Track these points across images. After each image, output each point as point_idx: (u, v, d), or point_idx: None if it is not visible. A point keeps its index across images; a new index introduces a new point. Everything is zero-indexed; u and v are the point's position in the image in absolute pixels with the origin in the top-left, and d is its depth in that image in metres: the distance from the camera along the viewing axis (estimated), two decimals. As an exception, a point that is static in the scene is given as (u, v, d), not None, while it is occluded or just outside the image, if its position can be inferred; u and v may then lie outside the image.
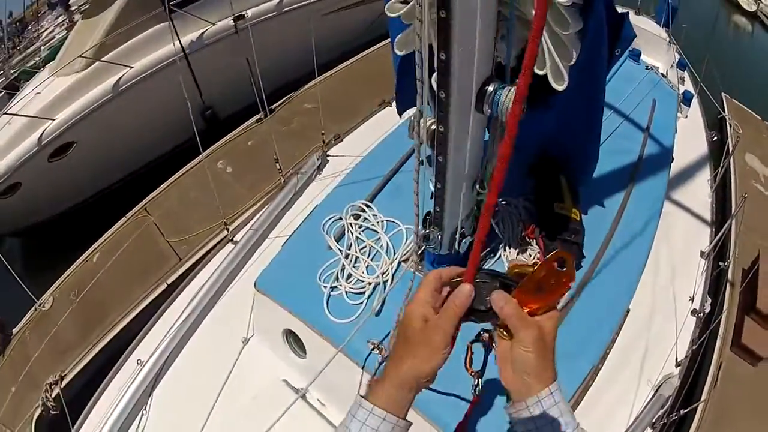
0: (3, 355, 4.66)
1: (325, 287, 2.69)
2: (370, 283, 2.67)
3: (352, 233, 2.91)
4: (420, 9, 1.50)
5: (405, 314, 1.05)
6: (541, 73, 1.76)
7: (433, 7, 1.47)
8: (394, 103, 4.91)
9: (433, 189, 2.03)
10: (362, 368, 2.44)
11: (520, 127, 1.78)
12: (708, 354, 4.01)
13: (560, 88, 1.77)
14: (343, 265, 2.76)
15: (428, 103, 1.74)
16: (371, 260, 2.79)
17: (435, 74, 1.64)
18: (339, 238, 2.94)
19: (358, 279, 2.71)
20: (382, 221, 2.97)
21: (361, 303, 2.62)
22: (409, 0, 1.78)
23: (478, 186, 1.97)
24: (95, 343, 4.52)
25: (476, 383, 1.96)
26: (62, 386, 4.07)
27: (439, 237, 2.16)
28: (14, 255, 6.94)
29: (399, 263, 2.73)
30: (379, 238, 2.88)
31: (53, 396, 3.95)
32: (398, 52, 1.99)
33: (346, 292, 2.68)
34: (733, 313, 4.38)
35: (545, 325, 0.99)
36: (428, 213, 2.20)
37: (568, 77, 1.73)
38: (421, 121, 1.80)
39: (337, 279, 2.72)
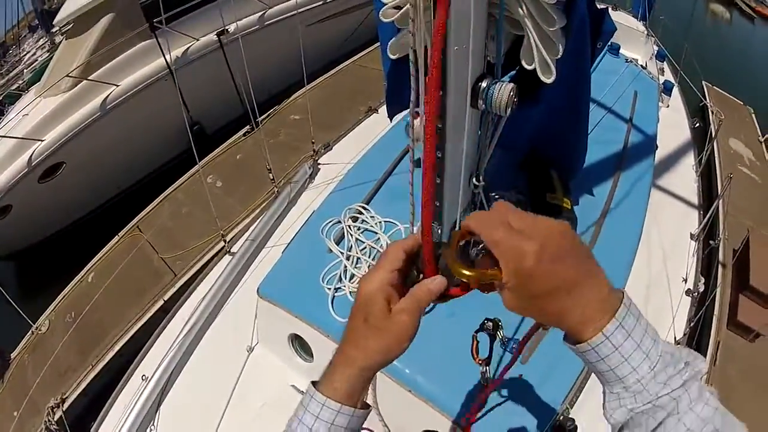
0: (2, 381, 4.65)
1: (329, 289, 2.73)
2: None
3: (351, 235, 2.96)
4: (416, 12, 1.58)
5: (362, 294, 0.91)
6: (529, 67, 1.84)
7: (428, 11, 1.54)
8: (381, 110, 5.02)
9: (431, 185, 2.09)
10: None
11: (509, 123, 1.85)
12: (705, 333, 4.10)
13: (548, 81, 1.85)
14: (345, 266, 2.80)
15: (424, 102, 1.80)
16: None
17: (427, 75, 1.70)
18: (339, 241, 2.99)
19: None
20: (380, 222, 3.02)
21: None
22: (401, 5, 1.85)
23: (474, 179, 2.04)
24: (95, 363, 4.51)
25: (485, 371, 2.02)
26: (64, 409, 4.07)
27: (439, 231, 2.22)
28: (8, 278, 6.88)
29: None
30: (379, 238, 2.93)
31: (56, 419, 3.95)
32: (391, 56, 2.05)
33: (350, 291, 2.71)
34: (726, 292, 4.48)
35: (506, 293, 0.79)
36: (427, 211, 2.26)
37: (555, 71, 1.81)
38: (417, 120, 1.86)
39: (340, 280, 2.77)
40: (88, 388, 4.37)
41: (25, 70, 11.58)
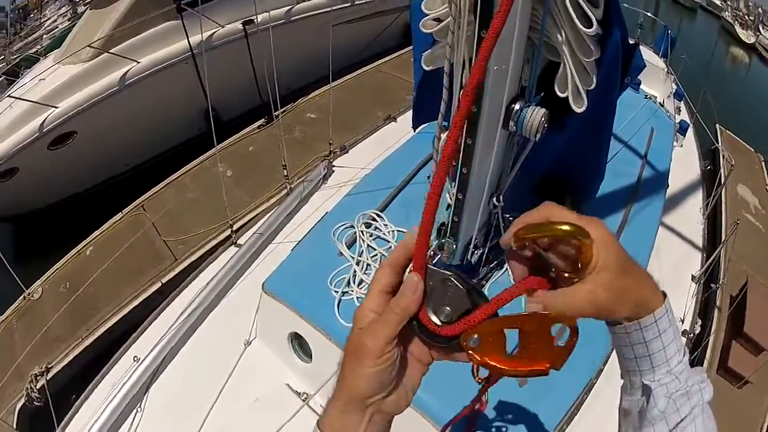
0: (-14, 341, 4.64)
1: (336, 292, 2.73)
2: None
3: (363, 241, 2.96)
4: (458, 28, 1.60)
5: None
6: (562, 95, 1.86)
7: (470, 26, 1.56)
8: (399, 119, 5.04)
9: (449, 200, 2.11)
10: None
11: (533, 147, 1.87)
12: (695, 375, 4.11)
13: (579, 110, 1.87)
14: (355, 271, 2.80)
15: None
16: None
17: (461, 90, 1.72)
18: (350, 245, 2.99)
19: (369, 285, 2.73)
20: (393, 231, 3.03)
21: None
22: (442, 18, 1.87)
23: (494, 199, 2.06)
24: (85, 337, 4.51)
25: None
26: (48, 378, 4.06)
27: (454, 246, 2.24)
28: (5, 241, 6.88)
29: (410, 271, 2.75)
30: (390, 246, 2.93)
31: (38, 387, 3.94)
32: (425, 67, 2.07)
33: (357, 297, 2.71)
34: (720, 336, 4.49)
35: (603, 277, 0.75)
36: (442, 224, 2.28)
37: (586, 101, 1.83)
38: (445, 134, 1.88)
39: (348, 284, 2.76)
40: (74, 360, 4.36)
41: (44, 36, 11.59)
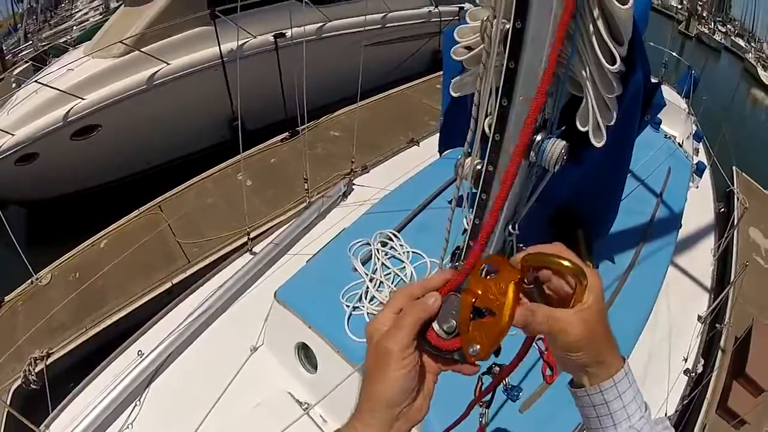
0: (-11, 320, 4.68)
1: (348, 306, 2.75)
2: None
3: (378, 259, 3.00)
4: (487, 57, 1.65)
5: (366, 333, 0.86)
6: (583, 129, 1.91)
7: (500, 57, 1.62)
8: (422, 143, 5.11)
9: (466, 225, 2.15)
10: None
11: (551, 181, 1.91)
12: (694, 413, 4.10)
13: (599, 144, 1.91)
14: (368, 287, 2.83)
15: (477, 145, 1.87)
16: (395, 287, 2.85)
17: (488, 118, 1.77)
18: (365, 262, 3.02)
19: (380, 302, 2.76)
20: (408, 252, 3.05)
21: None
22: (471, 46, 1.92)
23: (510, 227, 2.10)
24: (89, 327, 4.56)
25: (483, 413, 2.05)
26: (47, 363, 4.10)
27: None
28: (19, 225, 6.96)
29: None
30: (404, 267, 2.96)
31: (36, 370, 3.97)
32: (453, 94, 2.13)
33: (368, 313, 2.73)
34: (722, 377, 4.47)
35: (584, 318, 0.81)
36: (457, 248, 2.32)
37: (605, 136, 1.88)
38: (468, 160, 1.93)
39: (360, 300, 2.79)
40: (76, 349, 4.40)
41: (74, 27, 11.72)
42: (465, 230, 2.15)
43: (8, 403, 3.90)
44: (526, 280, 0.86)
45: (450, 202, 1.87)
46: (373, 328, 0.85)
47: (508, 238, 2.19)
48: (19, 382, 3.97)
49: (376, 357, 0.82)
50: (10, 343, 4.44)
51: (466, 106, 1.79)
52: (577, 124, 1.93)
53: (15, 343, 4.44)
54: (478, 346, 0.80)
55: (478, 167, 1.89)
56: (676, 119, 5.91)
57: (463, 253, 2.23)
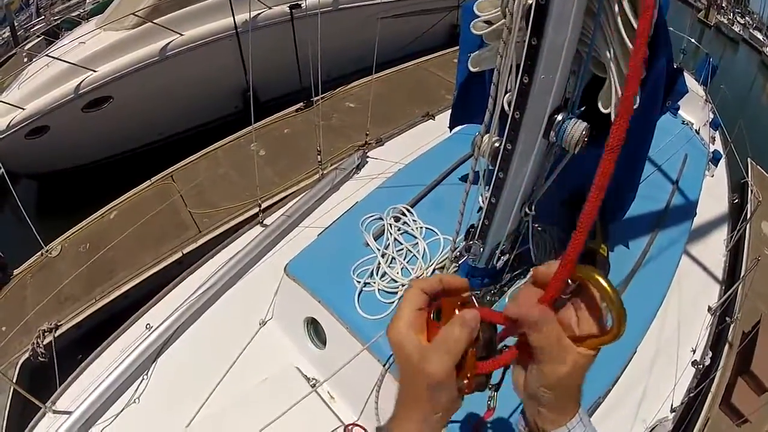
0: (-1, 294, 4.70)
1: (359, 282, 2.71)
2: (403, 285, 2.67)
3: (391, 234, 2.95)
4: (508, 33, 1.61)
5: (393, 343, 0.86)
6: (605, 111, 1.87)
7: (521, 32, 1.58)
8: (438, 117, 5.04)
9: (481, 203, 2.12)
10: (384, 367, 2.43)
11: (569, 162, 1.87)
12: (698, 407, 4.08)
13: (621, 127, 1.87)
14: (379, 263, 2.78)
15: (496, 122, 1.83)
16: (407, 263, 2.81)
17: (507, 95, 1.74)
18: (377, 237, 2.98)
19: (392, 279, 2.72)
20: (422, 227, 3.00)
21: (393, 303, 2.63)
22: (491, 21, 1.88)
23: (526, 207, 2.07)
24: (98, 299, 4.56)
25: (492, 396, 2.03)
26: (56, 335, 4.10)
27: (481, 249, 2.25)
28: (30, 197, 6.99)
29: (434, 270, 2.75)
30: (417, 243, 2.91)
31: (44, 343, 3.97)
32: (472, 69, 2.09)
33: (378, 289, 2.69)
34: (727, 372, 4.44)
35: (579, 363, 0.81)
36: (471, 226, 2.29)
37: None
38: (486, 137, 1.90)
39: (371, 276, 2.74)
40: (84, 321, 4.40)
41: (87, 0, 11.69)
42: (480, 208, 2.13)
43: (15, 377, 3.92)
44: (563, 294, 0.83)
45: (463, 179, 1.84)
46: (399, 335, 0.85)
47: (524, 218, 2.17)
48: (26, 355, 3.98)
49: (419, 374, 0.82)
50: (19, 317, 4.45)
51: (481, 83, 1.76)
52: (599, 105, 1.89)
53: (25, 316, 4.45)
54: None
55: (496, 145, 1.86)
56: (693, 106, 5.82)
57: (477, 232, 2.21)
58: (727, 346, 4.54)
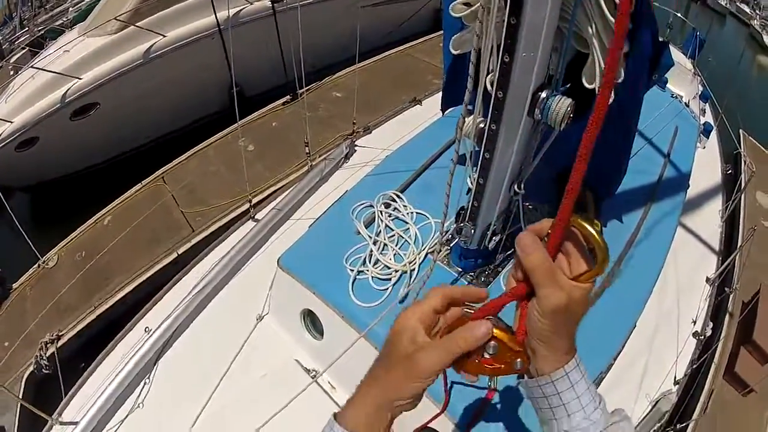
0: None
1: (351, 270, 2.70)
2: (397, 271, 2.66)
3: (381, 221, 2.93)
4: (486, 14, 1.60)
5: (396, 326, 0.90)
6: (589, 86, 1.86)
7: (500, 12, 1.56)
8: (425, 102, 5.02)
9: (470, 185, 2.11)
10: None
11: (557, 137, 1.87)
12: (701, 379, 4.09)
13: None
14: (371, 250, 2.77)
15: (480, 102, 1.82)
16: (399, 249, 2.80)
17: (490, 75, 1.73)
18: (368, 225, 2.96)
19: (385, 265, 2.71)
20: (412, 213, 2.99)
21: (387, 289, 2.62)
22: (471, 2, 1.86)
23: (515, 186, 2.06)
24: (97, 306, 4.55)
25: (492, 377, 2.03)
26: (58, 346, 4.10)
27: (472, 231, 2.25)
28: (24, 210, 6.98)
29: (426, 254, 2.74)
30: (408, 228, 2.89)
31: (47, 355, 3.98)
32: (453, 51, 2.08)
33: (372, 277, 2.67)
34: (729, 342, 4.45)
35: (573, 294, 0.85)
36: (462, 208, 2.29)
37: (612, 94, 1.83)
38: (470, 118, 1.89)
39: (364, 264, 2.73)
40: (85, 329, 4.40)
41: (70, 8, 11.63)
42: (469, 190, 2.12)
43: (21, 390, 3.93)
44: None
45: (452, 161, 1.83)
46: (409, 324, 0.89)
47: (513, 198, 2.16)
48: (31, 368, 3.99)
49: (408, 363, 0.85)
50: (21, 330, 4.45)
51: (467, 65, 1.74)
52: (584, 80, 1.88)
53: (27, 329, 4.45)
54: (519, 360, 0.91)
55: (481, 125, 1.85)
56: (682, 79, 5.80)
57: (467, 213, 2.21)
58: (727, 317, 4.55)
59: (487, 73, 1.73)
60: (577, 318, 0.89)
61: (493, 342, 0.89)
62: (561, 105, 1.71)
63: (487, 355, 0.90)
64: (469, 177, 2.09)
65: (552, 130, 1.85)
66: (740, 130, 7.15)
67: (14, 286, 4.91)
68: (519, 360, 0.91)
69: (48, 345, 4.07)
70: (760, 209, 6.28)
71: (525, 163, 2.03)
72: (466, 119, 1.88)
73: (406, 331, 0.87)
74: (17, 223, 4.60)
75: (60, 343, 4.16)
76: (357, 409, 0.86)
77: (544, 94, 1.71)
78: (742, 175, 5.99)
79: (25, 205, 7.20)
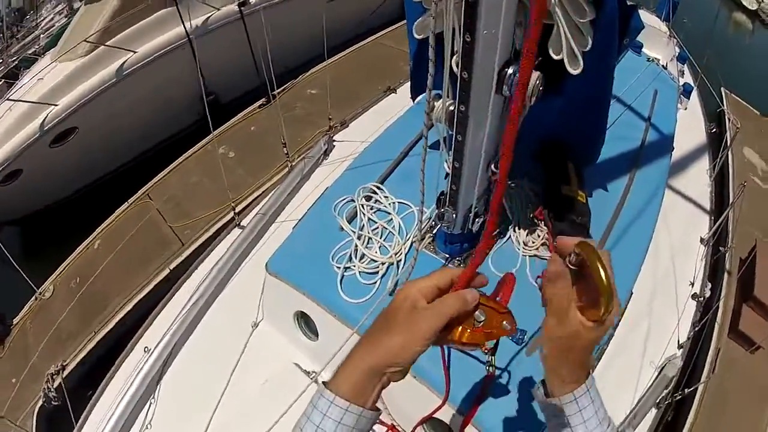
0: (2, 347, 4.66)
1: (339, 267, 2.69)
2: (383, 263, 2.67)
3: (364, 214, 2.91)
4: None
5: (399, 294, 0.96)
6: (557, 57, 1.83)
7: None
8: (399, 90, 4.99)
9: (447, 169, 2.09)
10: None
11: (531, 112, 1.84)
12: (706, 339, 4.08)
13: (575, 72, 1.84)
14: (356, 245, 2.76)
15: (448, 85, 1.79)
16: (384, 241, 2.79)
17: (455, 57, 1.70)
18: (351, 220, 2.95)
19: (371, 259, 2.71)
20: (394, 203, 2.98)
21: (375, 283, 2.63)
22: (429, -15, 1.83)
23: (493, 166, 2.03)
24: (97, 331, 4.52)
25: (489, 360, 2.02)
26: (64, 376, 4.06)
27: (454, 216, 2.22)
28: (14, 243, 6.90)
29: (412, 243, 2.73)
30: (391, 219, 2.89)
31: (55, 386, 3.93)
32: (417, 36, 2.05)
33: (359, 272, 2.67)
34: (730, 300, 4.44)
35: (579, 331, 0.93)
36: (441, 193, 2.26)
37: (582, 63, 1.80)
38: (439, 102, 1.86)
39: (350, 259, 2.72)
40: (88, 356, 4.37)
41: (41, 36, 11.56)
42: (447, 174, 2.10)
43: (34, 425, 3.90)
44: (570, 262, 0.95)
45: (430, 147, 1.81)
46: (413, 293, 0.94)
47: (492, 178, 2.13)
48: (41, 402, 3.95)
49: (404, 323, 0.91)
50: (26, 365, 4.42)
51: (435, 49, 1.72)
52: (550, 52, 1.86)
53: (32, 364, 4.41)
54: (505, 322, 0.99)
55: (451, 108, 1.82)
56: (657, 42, 5.77)
57: (447, 198, 2.18)
58: (726, 275, 4.54)
59: (452, 55, 1.70)
60: (585, 351, 0.96)
61: (478, 312, 0.97)
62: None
63: (477, 324, 0.97)
64: (446, 161, 2.07)
65: (525, 105, 1.82)
66: (722, 89, 7.15)
67: (14, 321, 4.87)
68: (505, 322, 0.98)
69: (54, 376, 4.03)
70: (748, 164, 6.28)
71: (501, 142, 2.00)
72: (435, 104, 1.85)
73: (408, 299, 0.92)
74: (10, 258, 4.53)
75: (65, 372, 4.12)
76: (348, 375, 0.89)
77: (510, 70, 1.68)
78: (728, 133, 5.98)
79: (15, 238, 7.11)
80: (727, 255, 4.51)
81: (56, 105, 6.34)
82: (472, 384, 2.19)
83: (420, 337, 0.88)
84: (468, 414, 2.12)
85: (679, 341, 3.15)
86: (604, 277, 0.84)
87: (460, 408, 2.22)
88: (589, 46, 1.83)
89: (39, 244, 6.86)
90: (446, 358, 1.39)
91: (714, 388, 3.92)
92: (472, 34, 1.56)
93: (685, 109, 5.29)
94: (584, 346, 0.94)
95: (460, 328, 0.96)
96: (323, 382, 0.91)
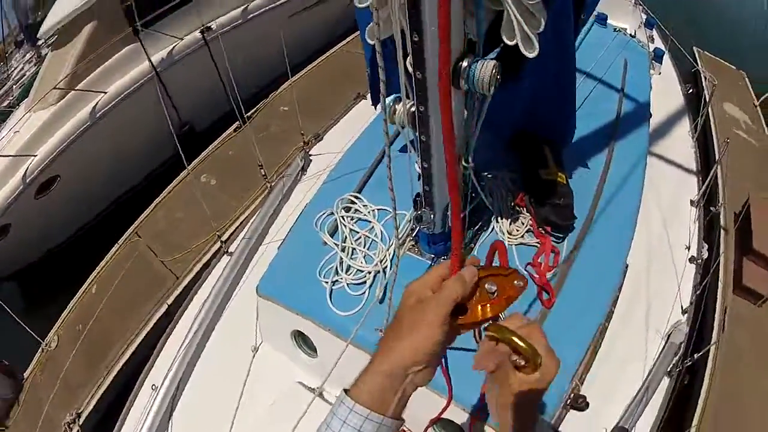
0: (18, 403, 4.63)
1: (327, 282, 2.71)
2: (369, 272, 2.68)
3: (345, 226, 2.93)
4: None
5: (405, 293, 0.96)
6: (511, 43, 1.80)
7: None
8: (369, 96, 4.99)
9: (419, 170, 2.07)
10: None
11: (495, 101, 1.82)
12: (711, 300, 4.06)
13: (531, 54, 1.81)
14: (341, 258, 2.77)
15: (405, 87, 1.77)
16: (368, 250, 2.81)
17: (409, 57, 1.68)
18: (333, 233, 2.96)
19: (357, 270, 2.73)
20: (373, 210, 2.99)
21: (364, 293, 2.64)
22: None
23: (463, 161, 2.01)
24: (106, 374, 4.49)
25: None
26: (80, 423, 4.05)
27: (432, 216, 2.20)
28: (13, 298, 6.84)
29: (395, 249, 2.73)
30: (372, 227, 2.91)
31: (74, 434, 3.92)
32: (369, 42, 2.02)
33: (347, 284, 2.69)
34: (730, 257, 4.42)
35: (522, 389, 0.92)
36: (417, 195, 2.24)
37: (538, 45, 1.77)
38: (400, 105, 1.84)
39: (337, 273, 2.74)
40: (100, 400, 4.35)
41: (14, 87, 11.52)
42: (419, 176, 2.07)
43: None
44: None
45: (402, 151, 1.79)
46: (416, 288, 0.96)
47: (465, 173, 2.11)
48: (61, 453, 3.93)
49: (412, 318, 0.91)
50: (43, 418, 4.37)
51: (388, 54, 1.69)
52: (504, 38, 1.83)
53: (48, 416, 4.36)
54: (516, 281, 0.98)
55: (413, 110, 1.80)
56: (623, 11, 5.76)
57: (423, 200, 2.16)
58: (722, 232, 4.51)
59: (405, 56, 1.68)
60: (531, 404, 0.93)
61: (488, 285, 0.97)
62: (485, 70, 1.66)
63: (493, 296, 0.97)
64: (416, 163, 2.05)
65: (486, 97, 1.80)
66: (694, 48, 7.14)
67: (24, 375, 4.85)
68: (515, 281, 0.98)
69: (71, 425, 4.03)
70: (730, 119, 6.27)
71: (469, 135, 1.98)
72: (396, 107, 1.84)
73: (413, 294, 0.94)
74: (12, 314, 4.56)
75: (81, 420, 4.10)
76: (367, 382, 0.88)
77: (465, 63, 1.66)
78: (705, 91, 5.97)
79: (15, 292, 7.06)
80: (720, 213, 4.49)
81: (35, 155, 6.28)
82: (478, 381, 2.17)
83: (430, 327, 0.88)
84: (475, 412, 2.11)
85: (682, 306, 3.14)
86: (522, 344, 0.87)
87: (468, 407, 2.21)
88: (542, 27, 1.81)
89: (38, 296, 6.81)
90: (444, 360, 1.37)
91: (726, 347, 3.89)
92: (419, 34, 1.54)
93: (659, 74, 5.28)
94: (530, 399, 0.92)
95: (479, 307, 0.97)
96: (344, 390, 0.89)
